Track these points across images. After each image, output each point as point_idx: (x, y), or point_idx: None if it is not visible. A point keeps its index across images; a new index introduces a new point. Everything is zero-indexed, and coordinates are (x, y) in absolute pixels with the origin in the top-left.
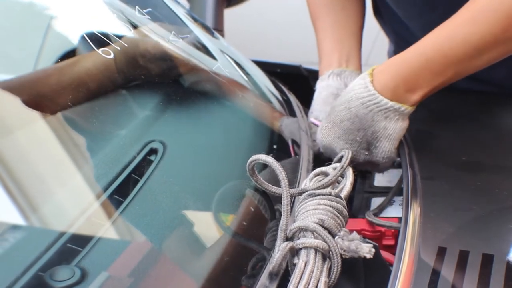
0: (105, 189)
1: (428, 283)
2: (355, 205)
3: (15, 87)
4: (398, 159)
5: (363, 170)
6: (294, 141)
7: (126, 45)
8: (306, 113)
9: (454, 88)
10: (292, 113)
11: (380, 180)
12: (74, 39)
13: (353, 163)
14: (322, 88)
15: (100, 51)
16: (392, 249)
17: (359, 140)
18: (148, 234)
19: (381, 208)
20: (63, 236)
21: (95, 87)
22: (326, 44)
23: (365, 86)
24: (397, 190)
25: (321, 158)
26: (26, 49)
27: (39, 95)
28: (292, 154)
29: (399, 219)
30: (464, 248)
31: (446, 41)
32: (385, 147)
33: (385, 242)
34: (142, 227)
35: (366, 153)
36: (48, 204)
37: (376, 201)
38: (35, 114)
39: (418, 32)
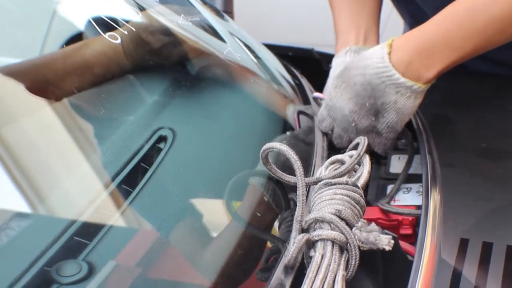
0: (113, 179)
1: (451, 277)
2: (370, 192)
3: (19, 72)
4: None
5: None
6: (300, 112)
7: (134, 29)
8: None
9: (472, 72)
10: (305, 98)
11: (396, 166)
12: (80, 24)
13: (358, 126)
14: (338, 65)
15: (107, 35)
16: (409, 238)
17: (368, 107)
18: (157, 225)
19: (391, 196)
20: (70, 228)
21: (102, 72)
22: (343, 22)
23: (382, 57)
24: (405, 177)
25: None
26: (32, 33)
27: (44, 81)
28: (297, 126)
29: (417, 207)
30: (487, 240)
31: (465, 13)
32: (392, 119)
33: (402, 231)
34: (152, 219)
35: (373, 118)
36: (54, 195)
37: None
38: (41, 101)
39: (432, 14)
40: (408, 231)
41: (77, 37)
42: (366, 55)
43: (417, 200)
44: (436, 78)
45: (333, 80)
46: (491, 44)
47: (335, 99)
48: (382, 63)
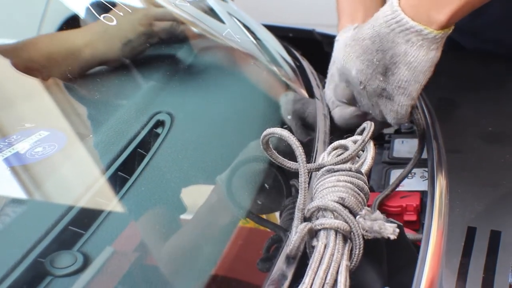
0: (109, 166)
1: (459, 267)
2: (373, 177)
3: (7, 51)
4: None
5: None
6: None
7: (130, 11)
8: (321, 80)
9: (477, 53)
10: (306, 80)
11: (400, 150)
12: (76, 5)
13: (367, 89)
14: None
15: (102, 17)
16: (413, 225)
17: (376, 63)
18: (155, 214)
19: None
20: (64, 218)
21: (98, 55)
22: (347, 2)
23: (391, 4)
24: (415, 163)
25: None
26: (29, 14)
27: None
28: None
29: (422, 192)
30: (496, 228)
31: None
32: (403, 76)
33: (406, 217)
34: (149, 207)
35: (382, 78)
36: (48, 182)
37: (396, 173)
38: (37, 85)
39: None
40: (412, 217)
41: (73, 19)
42: (378, 11)
43: (422, 185)
44: (450, 23)
45: (343, 40)
46: None
47: (344, 59)
48: (390, 9)
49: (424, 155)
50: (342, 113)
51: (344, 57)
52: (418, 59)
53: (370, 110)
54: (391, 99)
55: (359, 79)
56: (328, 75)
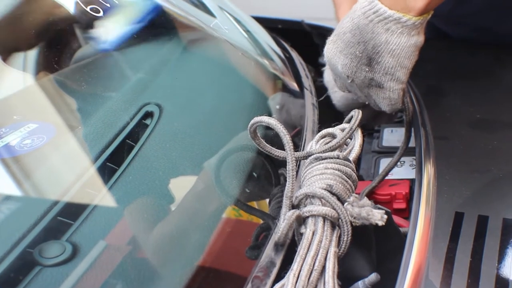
0: (98, 157)
1: (446, 251)
2: (363, 166)
3: None
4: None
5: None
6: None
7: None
8: (310, 70)
9: (464, 41)
10: (295, 71)
11: (389, 139)
12: None
13: (356, 81)
14: None
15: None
16: (403, 213)
17: (359, 55)
18: (144, 204)
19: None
20: (53, 208)
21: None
22: None
23: None
24: (403, 152)
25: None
26: None
27: None
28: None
29: (411, 180)
30: (483, 213)
31: None
32: (388, 63)
33: (395, 205)
34: (138, 197)
35: (367, 69)
36: (37, 174)
37: (385, 162)
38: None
39: None
40: (402, 205)
41: None
42: (356, 3)
43: (411, 173)
44: (428, 9)
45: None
46: None
47: (328, 55)
48: (367, 1)
49: (413, 143)
50: (341, 97)
51: (328, 54)
52: (400, 46)
53: (366, 101)
54: (381, 87)
55: (345, 73)
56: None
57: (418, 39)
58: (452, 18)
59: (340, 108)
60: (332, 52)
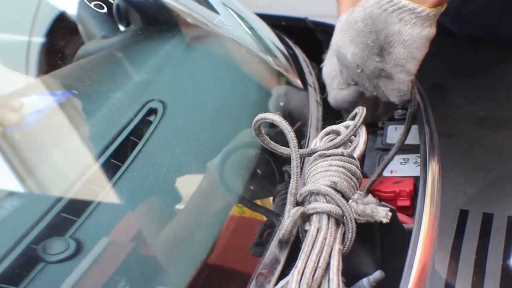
0: (102, 153)
1: (451, 249)
2: (367, 164)
3: None
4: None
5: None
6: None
7: None
8: (313, 67)
9: (469, 39)
10: (299, 68)
11: (393, 137)
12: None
13: (365, 71)
14: None
15: (92, 5)
16: (407, 210)
17: (371, 44)
18: (148, 201)
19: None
20: (57, 205)
21: None
22: None
23: None
24: (399, 148)
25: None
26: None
27: None
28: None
29: (415, 178)
30: (488, 211)
31: None
32: (399, 54)
33: (400, 203)
34: (142, 193)
35: (378, 59)
36: (41, 170)
37: None
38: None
39: None
40: (406, 203)
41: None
42: None
43: (415, 171)
44: (442, 1)
45: (338, 25)
46: None
47: (338, 44)
48: None
49: (417, 141)
50: (338, 95)
51: (338, 43)
52: (413, 37)
53: (374, 92)
54: (391, 78)
55: (355, 62)
56: (327, 56)
57: (430, 31)
58: (458, 15)
59: (335, 106)
60: (342, 41)
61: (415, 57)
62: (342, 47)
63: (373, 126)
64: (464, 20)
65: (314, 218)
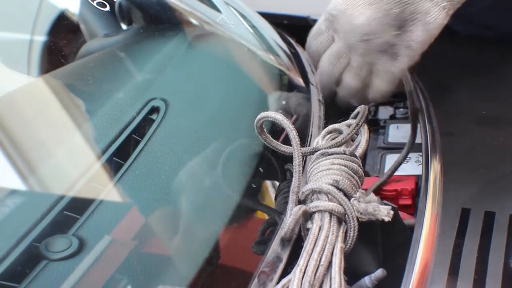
0: (104, 151)
1: (453, 248)
2: (369, 162)
3: None
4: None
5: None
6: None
7: None
8: (316, 67)
9: (471, 38)
10: (301, 66)
11: (395, 135)
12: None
13: (373, 42)
14: None
15: (94, 3)
16: (409, 209)
17: (393, 16)
18: (150, 198)
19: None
20: (59, 202)
21: None
22: None
23: None
24: (411, 147)
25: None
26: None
27: None
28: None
29: (417, 177)
30: (490, 209)
31: None
32: (417, 36)
33: (401, 201)
34: (144, 191)
35: (394, 32)
36: (43, 168)
37: (391, 158)
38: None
39: None
40: (408, 201)
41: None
42: None
43: (417, 170)
44: None
45: None
46: None
47: (348, 5)
48: None
49: (419, 139)
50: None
51: (347, 2)
52: (436, 22)
53: (360, 72)
54: (394, 58)
55: (366, 29)
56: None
57: (445, 23)
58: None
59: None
60: (353, 4)
61: (426, 44)
62: (352, 8)
63: (375, 125)
64: (467, 20)
65: (316, 217)
